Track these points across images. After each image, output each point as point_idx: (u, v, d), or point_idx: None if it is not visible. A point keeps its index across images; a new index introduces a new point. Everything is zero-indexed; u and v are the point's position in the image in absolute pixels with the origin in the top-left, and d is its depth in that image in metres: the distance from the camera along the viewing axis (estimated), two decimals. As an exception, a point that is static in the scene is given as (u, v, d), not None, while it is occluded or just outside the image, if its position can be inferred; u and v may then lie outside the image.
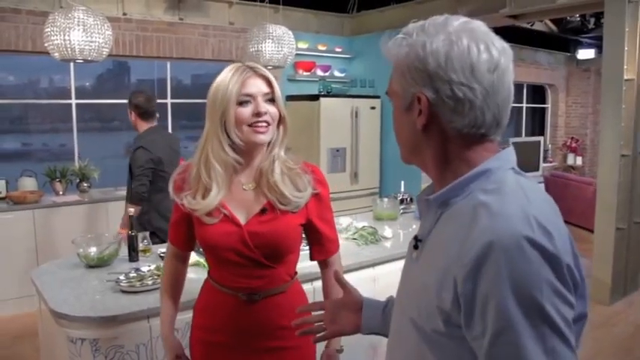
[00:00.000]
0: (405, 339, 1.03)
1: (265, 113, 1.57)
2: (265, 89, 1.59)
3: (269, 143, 1.64)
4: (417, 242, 1.06)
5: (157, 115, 3.83)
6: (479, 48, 0.92)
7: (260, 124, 1.57)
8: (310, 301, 1.83)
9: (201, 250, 3.01)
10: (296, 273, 1.78)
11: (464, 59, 0.92)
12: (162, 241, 3.29)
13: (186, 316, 2.24)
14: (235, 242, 1.59)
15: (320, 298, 2.70)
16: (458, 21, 0.96)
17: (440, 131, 0.97)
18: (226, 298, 1.66)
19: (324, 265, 1.81)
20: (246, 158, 1.63)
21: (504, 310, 0.80)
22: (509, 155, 0.99)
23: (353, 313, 1.34)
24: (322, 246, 1.77)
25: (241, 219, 1.62)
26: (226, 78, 1.58)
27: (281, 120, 1.64)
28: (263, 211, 1.61)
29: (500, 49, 0.94)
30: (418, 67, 0.95)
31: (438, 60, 0.92)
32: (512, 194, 0.90)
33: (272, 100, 1.61)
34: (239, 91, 1.55)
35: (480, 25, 0.96)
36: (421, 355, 0.97)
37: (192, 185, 1.63)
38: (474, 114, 0.94)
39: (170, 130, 6.47)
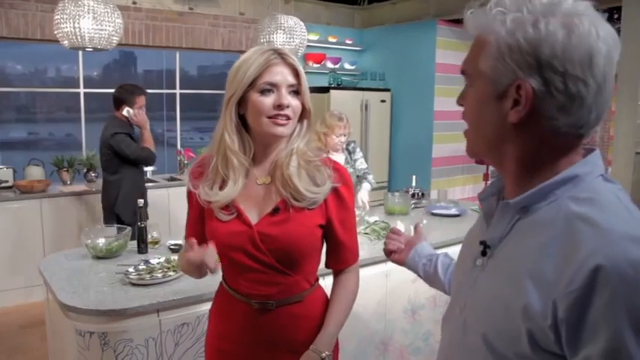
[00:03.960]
0: (471, 356, 0.92)
1: (287, 106, 1.45)
2: (291, 80, 1.46)
3: (289, 137, 1.53)
4: (485, 248, 0.94)
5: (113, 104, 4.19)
6: (598, 35, 0.80)
7: (280, 117, 1.45)
8: None
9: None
10: (317, 280, 1.64)
11: (583, 48, 0.79)
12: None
13: (197, 310, 2.23)
14: (245, 243, 1.47)
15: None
16: None
17: (536, 128, 0.84)
18: (239, 304, 1.54)
19: (337, 274, 1.65)
20: (262, 150, 1.53)
21: (619, 343, 0.73)
22: (597, 160, 0.88)
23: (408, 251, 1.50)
24: (338, 254, 1.61)
25: (253, 218, 1.50)
26: (249, 59, 1.45)
27: (305, 114, 1.53)
28: (275, 210, 1.49)
29: (613, 36, 0.82)
30: (526, 50, 0.80)
31: (554, 46, 0.79)
32: (613, 207, 0.82)
33: (297, 93, 1.48)
34: (261, 78, 1.43)
35: (590, 6, 0.83)
36: None
37: (210, 177, 1.52)
38: (582, 113, 0.82)
39: (178, 121, 6.47)
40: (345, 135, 3.81)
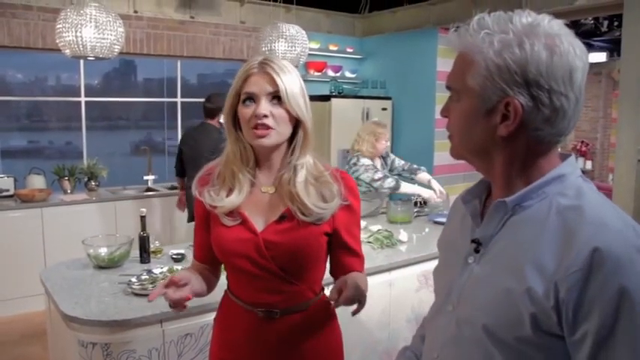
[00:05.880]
0: (470, 348, 0.96)
1: (266, 115, 1.43)
2: (269, 88, 1.44)
3: (290, 147, 1.53)
4: (477, 245, 0.99)
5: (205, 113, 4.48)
6: (575, 53, 0.88)
7: (259, 127, 1.44)
8: (343, 317, 1.69)
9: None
10: (322, 289, 1.63)
11: (564, 66, 0.87)
12: None
13: (200, 320, 2.21)
14: (250, 250, 1.47)
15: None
16: (546, 19, 0.90)
17: (522, 139, 0.92)
18: (243, 313, 1.54)
19: None
20: (263, 159, 1.53)
21: (613, 321, 0.80)
22: (575, 162, 0.98)
23: None
24: (344, 261, 1.59)
25: (258, 225, 1.50)
26: (238, 72, 1.49)
27: (299, 124, 1.51)
28: (282, 218, 1.49)
29: (585, 52, 0.90)
30: (514, 70, 0.87)
31: (540, 66, 0.86)
32: (597, 200, 0.90)
33: (281, 101, 1.45)
34: (241, 89, 1.46)
35: (563, 25, 0.91)
36: None
37: (216, 183, 1.53)
38: (564, 123, 0.91)
39: (179, 129, 6.45)
40: (388, 140, 4.08)
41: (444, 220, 3.81)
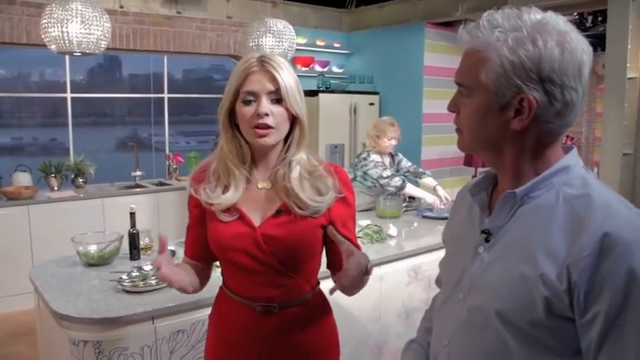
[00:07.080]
0: (482, 334, 0.99)
1: (267, 115, 1.44)
2: (270, 87, 1.44)
3: (286, 143, 1.54)
4: (488, 235, 1.03)
5: None
6: (583, 48, 0.92)
7: (261, 127, 1.45)
8: (335, 312, 1.70)
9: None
10: (318, 283, 1.64)
11: (575, 62, 0.91)
12: None
13: (192, 317, 2.21)
14: (248, 245, 1.47)
15: (348, 308, 2.66)
16: (553, 16, 0.94)
17: (534, 132, 0.96)
18: (241, 308, 1.54)
19: None
20: (260, 157, 1.54)
21: (623, 301, 0.84)
22: (577, 154, 1.02)
23: None
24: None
25: (256, 220, 1.50)
26: (235, 69, 1.48)
27: (296, 120, 1.52)
28: (279, 212, 1.50)
29: (589, 47, 0.94)
30: (529, 67, 0.91)
31: (553, 63, 0.90)
32: (602, 189, 0.95)
33: (280, 100, 1.46)
34: (241, 87, 1.46)
35: (567, 21, 0.95)
36: (504, 349, 0.95)
37: (212, 180, 1.53)
38: (572, 115, 0.95)
39: (166, 125, 6.42)
40: (395, 139, 4.01)
41: (432, 214, 3.87)
